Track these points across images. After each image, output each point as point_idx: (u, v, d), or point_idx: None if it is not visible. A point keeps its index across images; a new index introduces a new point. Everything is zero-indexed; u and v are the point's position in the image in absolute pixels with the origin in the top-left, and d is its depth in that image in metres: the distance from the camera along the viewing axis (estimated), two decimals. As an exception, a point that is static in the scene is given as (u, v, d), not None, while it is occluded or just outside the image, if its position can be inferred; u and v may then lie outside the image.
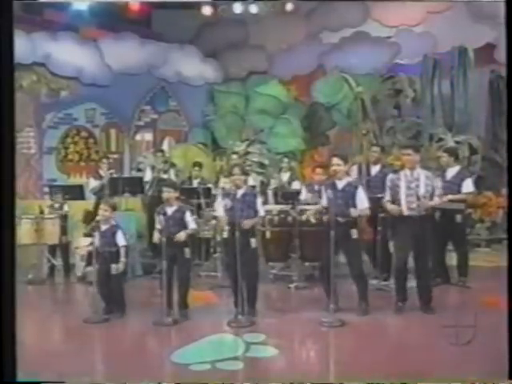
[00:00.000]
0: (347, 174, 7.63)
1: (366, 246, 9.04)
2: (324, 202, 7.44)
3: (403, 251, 7.37)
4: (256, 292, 7.32)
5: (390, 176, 7.64)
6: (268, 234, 9.28)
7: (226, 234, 7.32)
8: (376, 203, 7.97)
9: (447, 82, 13.52)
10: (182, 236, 7.23)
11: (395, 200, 7.36)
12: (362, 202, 7.29)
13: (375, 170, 9.34)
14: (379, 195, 8.30)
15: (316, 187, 9.05)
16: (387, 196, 7.48)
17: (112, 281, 7.45)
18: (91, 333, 7.01)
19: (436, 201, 7.32)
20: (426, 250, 7.36)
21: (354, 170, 9.64)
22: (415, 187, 7.22)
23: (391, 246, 8.00)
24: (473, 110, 13.26)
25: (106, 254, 7.44)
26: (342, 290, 7.51)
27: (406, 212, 7.25)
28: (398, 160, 10.24)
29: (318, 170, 9.42)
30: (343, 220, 7.08)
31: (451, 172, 8.82)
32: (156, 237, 7.34)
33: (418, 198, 7.18)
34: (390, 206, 7.42)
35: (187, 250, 7.35)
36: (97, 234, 7.48)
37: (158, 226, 7.33)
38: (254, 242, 7.23)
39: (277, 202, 10.27)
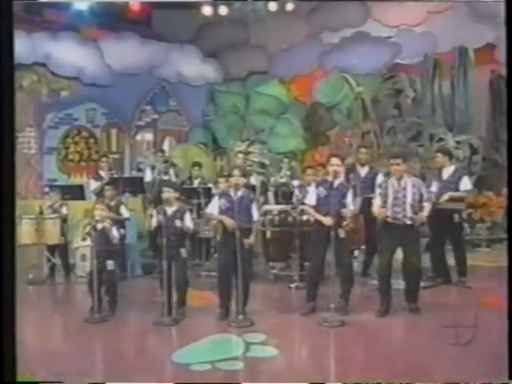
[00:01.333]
0: (342, 174, 7.67)
1: (360, 245, 9.09)
2: (311, 199, 7.44)
3: (385, 256, 7.38)
4: (248, 292, 7.28)
5: (381, 180, 7.66)
6: (268, 234, 9.29)
7: (221, 234, 7.33)
8: (369, 203, 7.99)
9: (448, 81, 13.53)
10: (188, 228, 7.37)
11: (383, 205, 7.36)
12: (352, 203, 7.35)
13: (364, 171, 9.37)
14: (370, 196, 8.36)
15: (308, 188, 8.99)
16: (378, 200, 7.45)
17: (107, 278, 7.46)
18: (91, 333, 7.00)
19: (427, 208, 7.31)
20: (411, 256, 7.35)
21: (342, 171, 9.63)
22: (402, 197, 7.24)
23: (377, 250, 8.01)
24: (473, 110, 13.26)
25: (102, 253, 7.46)
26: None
27: (390, 220, 7.26)
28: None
29: (309, 171, 9.45)
30: (335, 220, 7.07)
31: (447, 172, 8.84)
32: (154, 221, 7.40)
33: (405, 210, 7.20)
34: (377, 210, 7.42)
35: (183, 250, 7.36)
36: (93, 233, 7.50)
37: (154, 223, 7.33)
38: (248, 243, 7.23)
39: (277, 202, 10.27)
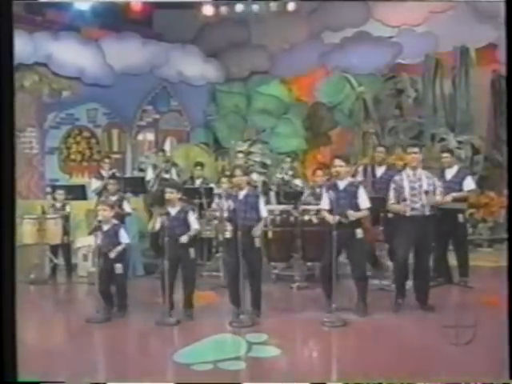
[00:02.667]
0: (349, 174, 7.64)
1: (369, 245, 9.05)
2: (324, 203, 7.43)
3: (404, 250, 7.41)
4: (260, 292, 7.31)
5: (395, 177, 7.66)
6: (270, 234, 9.26)
7: (228, 235, 7.28)
8: (381, 203, 7.98)
9: (449, 81, 13.51)
10: (185, 239, 7.25)
11: (399, 200, 7.38)
12: (364, 201, 7.28)
13: (380, 171, 9.31)
14: (384, 196, 8.35)
15: (318, 190, 9.02)
16: (392, 198, 7.49)
17: (115, 280, 7.45)
18: (93, 332, 7.01)
19: (439, 199, 7.35)
20: (427, 250, 7.39)
21: (360, 171, 9.62)
22: (418, 187, 7.27)
23: (393, 244, 7.99)
24: (475, 110, 13.24)
25: (108, 254, 7.43)
26: (343, 290, 7.50)
27: (409, 212, 7.28)
28: (400, 160, 10.25)
29: (319, 172, 9.45)
30: (347, 220, 7.07)
31: (451, 172, 8.83)
32: (150, 225, 7.40)
33: (422, 199, 7.24)
34: (396, 207, 7.46)
35: (192, 251, 7.37)
36: (99, 233, 7.47)
37: (157, 225, 7.33)
38: (257, 241, 7.22)
39: (279, 202, 10.26)
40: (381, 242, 8.99)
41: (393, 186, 7.53)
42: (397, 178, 7.57)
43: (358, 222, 7.24)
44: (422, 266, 7.38)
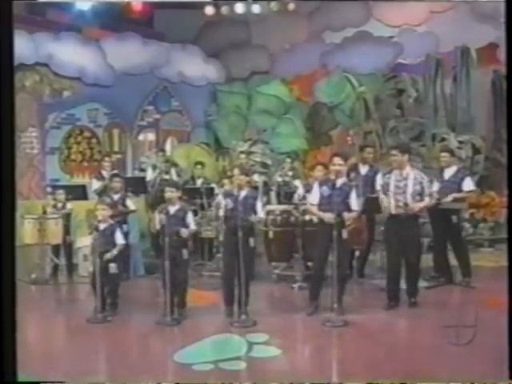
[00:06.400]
0: (345, 173, 7.68)
1: (362, 246, 9.05)
2: (314, 198, 7.43)
3: (393, 250, 7.47)
4: (249, 291, 7.28)
5: (385, 176, 7.73)
6: (271, 234, 9.26)
7: (223, 234, 7.30)
8: (374, 204, 8.00)
9: (450, 81, 13.51)
10: (184, 233, 7.24)
11: (387, 198, 7.47)
12: (355, 203, 7.29)
13: (365, 169, 9.32)
14: (370, 195, 8.38)
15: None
16: (381, 194, 7.62)
17: (109, 280, 7.43)
18: (94, 332, 7.00)
19: (426, 201, 7.41)
20: (414, 249, 7.44)
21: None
22: (403, 186, 7.34)
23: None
24: (475, 110, 13.25)
25: (105, 253, 7.41)
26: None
27: (393, 211, 7.37)
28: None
29: (319, 168, 9.39)
30: (335, 221, 7.04)
31: (449, 172, 8.83)
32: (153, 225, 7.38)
33: (406, 198, 7.29)
34: (383, 203, 7.55)
35: (185, 252, 7.35)
36: (96, 233, 7.46)
37: (157, 225, 7.32)
38: (252, 241, 7.23)
39: (279, 202, 10.26)
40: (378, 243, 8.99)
41: (381, 183, 7.70)
42: (385, 178, 7.65)
43: (343, 223, 7.22)
44: (408, 265, 7.45)
